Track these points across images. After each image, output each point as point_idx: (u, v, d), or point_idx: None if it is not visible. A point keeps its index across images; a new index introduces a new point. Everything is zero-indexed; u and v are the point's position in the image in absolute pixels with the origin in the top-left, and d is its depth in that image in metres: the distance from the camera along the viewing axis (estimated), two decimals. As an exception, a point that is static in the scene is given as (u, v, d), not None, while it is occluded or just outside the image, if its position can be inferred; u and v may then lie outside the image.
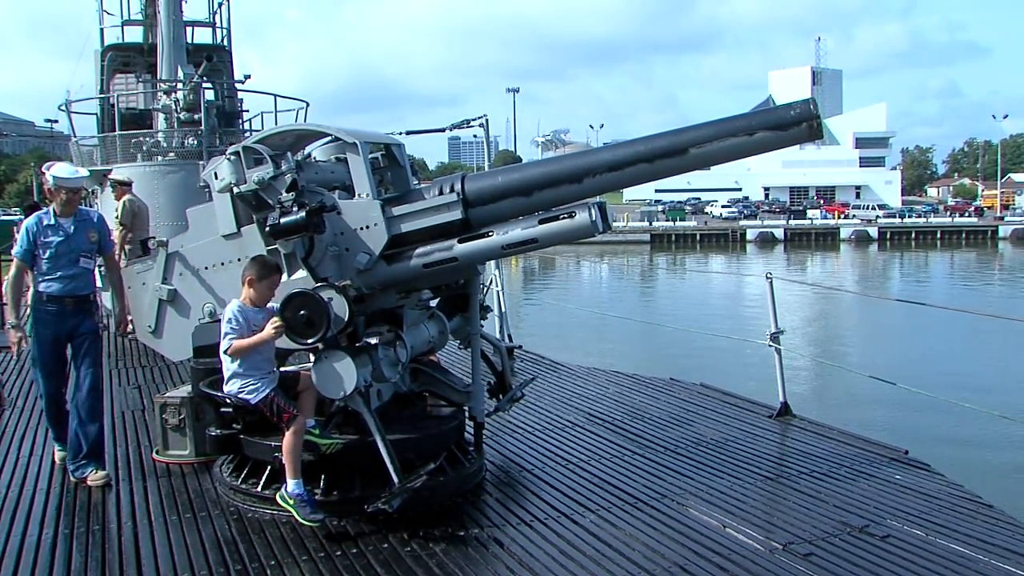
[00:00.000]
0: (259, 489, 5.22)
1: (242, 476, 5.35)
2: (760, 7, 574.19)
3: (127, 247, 11.03)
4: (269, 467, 5.23)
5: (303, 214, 4.87)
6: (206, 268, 5.59)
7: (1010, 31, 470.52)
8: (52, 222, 5.89)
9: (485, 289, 11.24)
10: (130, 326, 6.12)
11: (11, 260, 6.02)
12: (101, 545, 4.79)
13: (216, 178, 5.26)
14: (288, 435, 4.88)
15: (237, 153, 5.19)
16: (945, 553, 4.44)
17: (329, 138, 5.71)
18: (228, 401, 5.10)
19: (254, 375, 5.00)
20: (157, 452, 6.39)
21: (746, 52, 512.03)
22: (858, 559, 4.37)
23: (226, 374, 5.06)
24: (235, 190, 5.19)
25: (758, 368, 13.29)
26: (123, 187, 11.53)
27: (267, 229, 5.02)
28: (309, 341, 4.88)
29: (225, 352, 4.97)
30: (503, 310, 10.97)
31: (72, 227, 5.92)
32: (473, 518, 5.06)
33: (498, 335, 10.80)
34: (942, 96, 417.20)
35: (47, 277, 5.86)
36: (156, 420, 6.40)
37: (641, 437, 6.71)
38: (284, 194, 5.03)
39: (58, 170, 5.94)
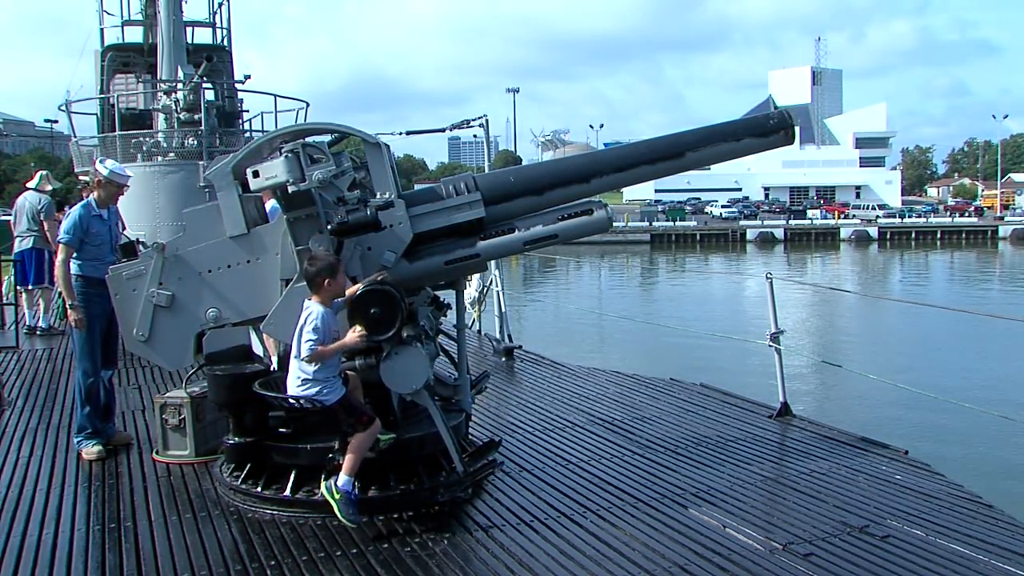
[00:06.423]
0: (259, 490, 5.22)
1: (242, 476, 5.34)
2: (770, 5, 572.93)
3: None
4: (269, 468, 5.24)
5: (372, 211, 4.90)
6: (210, 271, 5.41)
7: (1022, 29, 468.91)
8: (97, 212, 6.53)
9: (485, 289, 11.28)
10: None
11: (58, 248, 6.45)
12: (101, 545, 4.79)
13: (259, 176, 5.05)
14: (363, 435, 4.87)
15: (293, 151, 5.04)
16: (945, 553, 4.44)
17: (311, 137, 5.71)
18: (296, 404, 4.98)
19: (331, 376, 4.93)
20: (157, 452, 6.40)
21: (755, 50, 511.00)
22: (858, 559, 4.37)
23: (299, 379, 4.91)
24: (290, 188, 5.02)
25: (758, 368, 13.30)
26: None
27: (333, 227, 4.96)
28: (383, 338, 4.91)
29: (305, 359, 4.81)
30: (503, 310, 10.96)
31: (108, 217, 6.62)
32: (473, 518, 5.06)
33: (498, 335, 10.82)
34: (950, 95, 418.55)
35: (94, 262, 6.39)
36: (156, 420, 6.41)
37: (641, 437, 6.71)
38: (347, 192, 5.09)
39: (112, 164, 6.65)
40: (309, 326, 4.82)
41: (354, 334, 4.88)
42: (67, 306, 6.41)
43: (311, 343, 4.81)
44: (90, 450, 6.39)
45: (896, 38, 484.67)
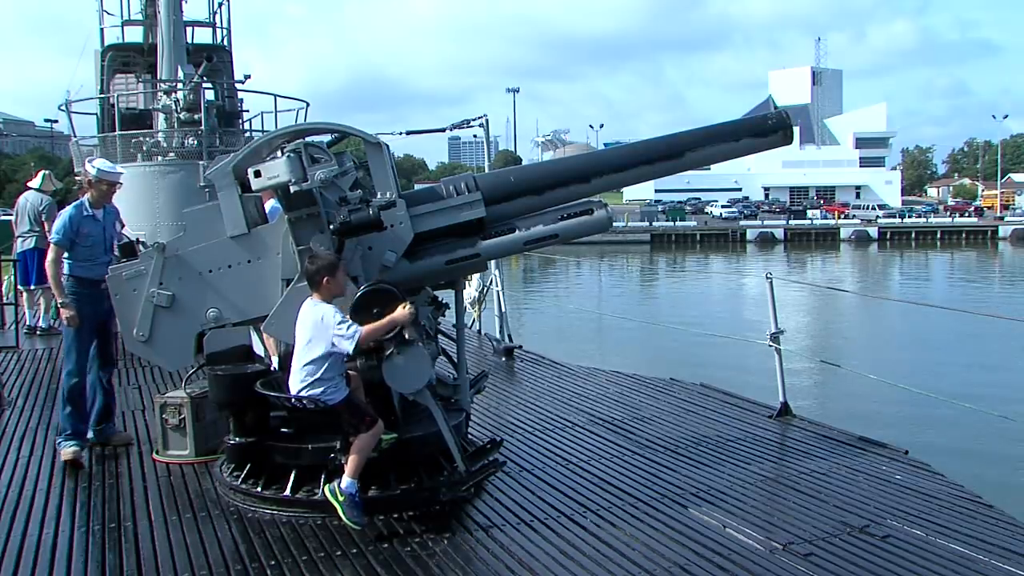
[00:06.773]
0: (259, 490, 5.22)
1: (242, 476, 5.34)
2: (770, 5, 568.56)
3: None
4: (269, 468, 5.24)
5: (374, 211, 4.92)
6: (210, 271, 5.41)
7: (1022, 29, 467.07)
8: (89, 212, 6.47)
9: (485, 288, 11.28)
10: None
11: (50, 248, 6.45)
12: (101, 545, 4.79)
13: (261, 176, 5.03)
14: (367, 436, 4.88)
15: (296, 151, 5.05)
16: (945, 553, 4.45)
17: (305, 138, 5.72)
18: (298, 404, 4.99)
19: (336, 376, 4.96)
20: (157, 452, 6.40)
21: (755, 50, 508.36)
22: (858, 559, 4.37)
23: (303, 378, 4.92)
24: (292, 188, 5.01)
25: (758, 368, 13.28)
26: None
27: (336, 226, 4.97)
28: (386, 337, 4.92)
29: (358, 343, 4.81)
30: (503, 310, 10.96)
31: (103, 217, 6.55)
32: (473, 518, 5.07)
33: (498, 335, 10.83)
34: (950, 95, 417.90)
35: (86, 262, 6.37)
36: (156, 420, 6.41)
37: (641, 437, 6.71)
38: (350, 192, 5.11)
39: (101, 163, 6.58)
40: (336, 318, 4.83)
41: (404, 309, 4.88)
42: (58, 304, 6.42)
43: (352, 327, 4.80)
44: (66, 450, 6.27)
45: (896, 38, 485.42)
